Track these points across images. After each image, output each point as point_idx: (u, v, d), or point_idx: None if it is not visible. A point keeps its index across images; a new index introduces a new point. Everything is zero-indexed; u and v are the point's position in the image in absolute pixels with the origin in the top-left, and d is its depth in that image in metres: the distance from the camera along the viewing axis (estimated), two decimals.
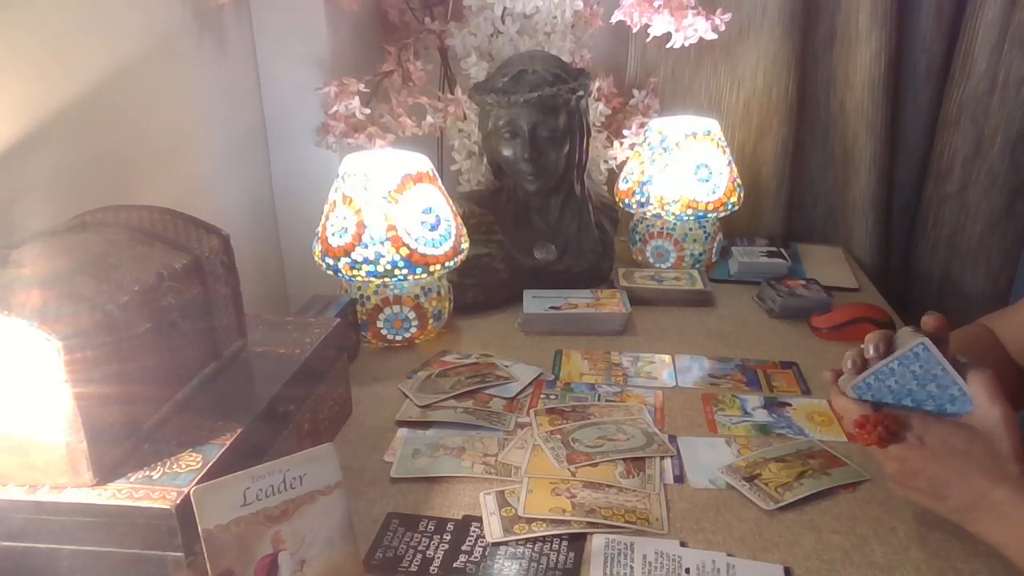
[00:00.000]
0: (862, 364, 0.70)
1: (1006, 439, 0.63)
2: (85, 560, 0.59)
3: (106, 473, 0.60)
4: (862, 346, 0.70)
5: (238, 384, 0.76)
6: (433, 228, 1.04)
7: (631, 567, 0.69)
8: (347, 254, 1.02)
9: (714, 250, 1.37)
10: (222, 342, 0.77)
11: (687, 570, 0.69)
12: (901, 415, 0.67)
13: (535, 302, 1.17)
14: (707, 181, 1.29)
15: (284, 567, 0.60)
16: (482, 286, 1.21)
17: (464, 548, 0.72)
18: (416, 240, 1.02)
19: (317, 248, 1.07)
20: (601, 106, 1.38)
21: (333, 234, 1.04)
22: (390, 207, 1.01)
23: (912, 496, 0.69)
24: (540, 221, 1.26)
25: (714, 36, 1.27)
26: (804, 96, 1.47)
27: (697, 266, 1.35)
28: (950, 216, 1.47)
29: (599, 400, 0.97)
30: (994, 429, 0.64)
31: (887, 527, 0.75)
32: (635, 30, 1.30)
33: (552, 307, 1.16)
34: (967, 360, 0.67)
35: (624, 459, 0.84)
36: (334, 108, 1.15)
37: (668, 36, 1.28)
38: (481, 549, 0.72)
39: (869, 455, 0.85)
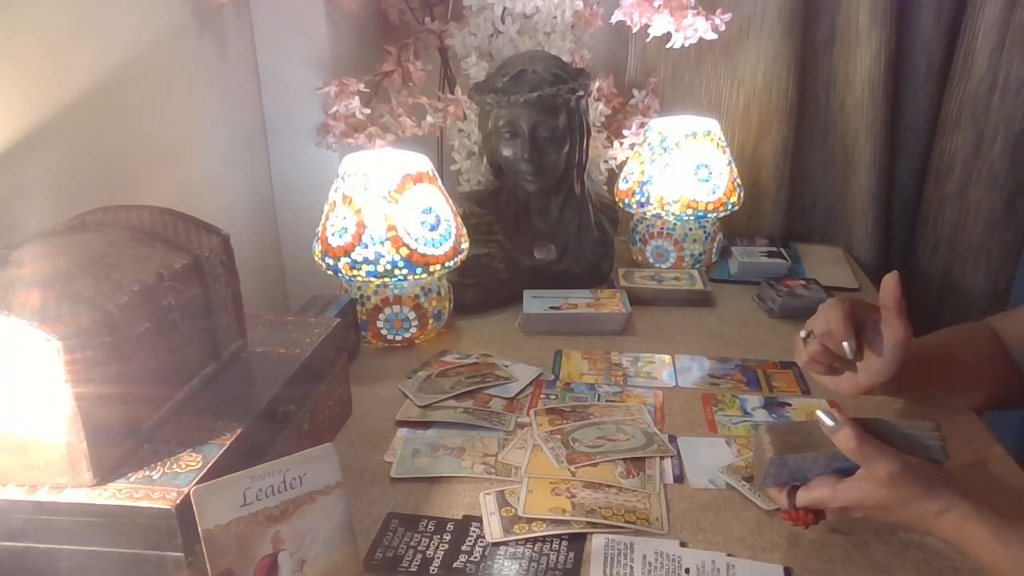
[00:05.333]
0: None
1: (912, 488, 0.64)
2: (85, 560, 0.59)
3: (106, 473, 0.60)
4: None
5: (238, 384, 0.76)
6: (433, 228, 1.04)
7: (631, 567, 0.69)
8: (347, 254, 1.02)
9: (714, 250, 1.37)
10: (222, 342, 0.77)
11: (687, 570, 0.69)
12: (815, 497, 0.68)
13: (535, 302, 1.17)
14: (707, 181, 1.29)
15: (284, 567, 0.60)
16: (482, 286, 1.21)
17: (464, 548, 0.72)
18: (416, 240, 1.02)
19: (317, 248, 1.07)
20: (601, 106, 1.38)
21: (333, 234, 1.04)
22: (390, 207, 1.01)
23: (867, 521, 0.72)
24: (540, 221, 1.26)
25: (714, 36, 1.27)
26: (804, 96, 1.47)
27: (697, 266, 1.35)
28: (950, 216, 1.47)
29: (599, 400, 0.97)
30: (895, 485, 0.64)
31: (887, 527, 0.74)
32: (635, 30, 1.30)
33: (552, 307, 1.16)
34: (834, 422, 0.66)
35: (624, 459, 0.84)
36: (334, 108, 1.15)
37: (668, 36, 1.28)
38: (481, 549, 0.72)
39: None
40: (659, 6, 1.26)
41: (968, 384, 0.87)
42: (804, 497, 0.68)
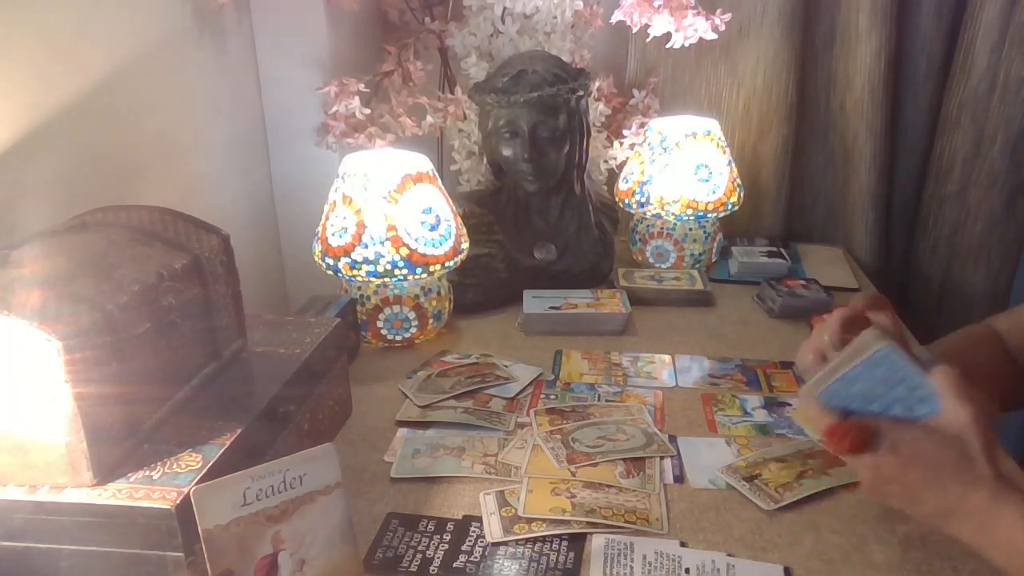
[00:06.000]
0: (820, 360, 0.69)
1: (976, 441, 0.61)
2: (85, 560, 0.59)
3: (106, 473, 0.60)
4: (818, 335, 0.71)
5: (238, 384, 0.76)
6: (433, 228, 1.04)
7: (631, 567, 0.69)
8: (347, 254, 1.02)
9: (714, 250, 1.37)
10: (222, 342, 0.77)
11: (687, 570, 0.69)
12: (871, 422, 0.65)
13: (535, 302, 1.17)
14: (707, 181, 1.29)
15: (284, 567, 0.60)
16: (482, 286, 1.21)
17: (464, 548, 0.72)
18: (416, 240, 1.02)
19: (317, 248, 1.07)
20: (601, 106, 1.38)
21: (333, 234, 1.04)
22: (390, 207, 1.01)
23: (887, 501, 0.68)
24: (540, 221, 1.26)
25: (714, 36, 1.27)
26: (804, 96, 1.47)
27: (697, 266, 1.35)
28: (950, 216, 1.47)
29: (599, 400, 0.97)
30: (964, 430, 0.62)
31: (887, 527, 0.75)
32: (635, 30, 1.30)
33: (552, 307, 1.16)
34: (932, 356, 0.64)
35: (624, 459, 0.84)
36: (334, 108, 1.15)
37: (668, 36, 1.28)
38: (481, 549, 0.72)
39: None
40: (659, 6, 1.26)
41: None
42: (865, 421, 0.64)
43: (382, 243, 1.01)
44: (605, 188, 1.41)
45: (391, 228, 1.01)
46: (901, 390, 0.64)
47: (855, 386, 0.65)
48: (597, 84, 1.39)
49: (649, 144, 1.32)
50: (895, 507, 0.68)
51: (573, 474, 0.81)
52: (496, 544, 0.72)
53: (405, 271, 1.02)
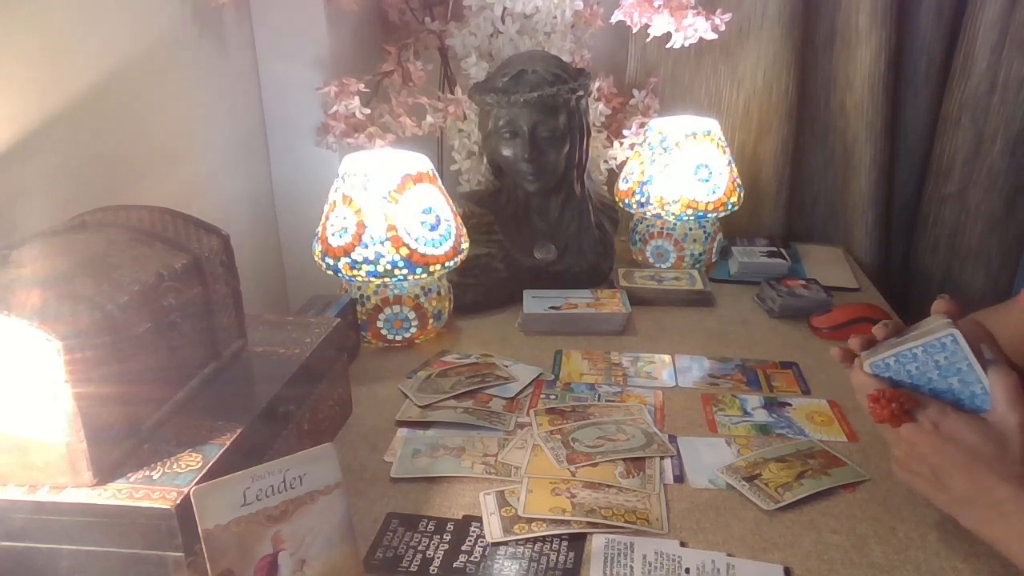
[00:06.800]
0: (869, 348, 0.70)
1: (1019, 444, 0.62)
2: (85, 560, 0.59)
3: (106, 473, 0.60)
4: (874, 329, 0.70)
5: (238, 384, 0.76)
6: (433, 228, 1.04)
7: (631, 567, 0.69)
8: (347, 254, 1.02)
9: (714, 250, 1.37)
10: (222, 342, 0.77)
11: (687, 570, 0.69)
12: (918, 396, 0.66)
13: (535, 302, 1.17)
14: (707, 181, 1.29)
15: (284, 567, 0.60)
16: (482, 286, 1.21)
17: (464, 548, 0.72)
18: (416, 240, 1.02)
19: (317, 248, 1.07)
20: (601, 106, 1.38)
21: (333, 234, 1.04)
22: (390, 207, 1.01)
23: (913, 480, 0.69)
24: (540, 221, 1.26)
25: (714, 36, 1.27)
26: (804, 96, 1.47)
27: (697, 266, 1.35)
28: (950, 216, 1.47)
29: (599, 400, 0.97)
30: (1009, 433, 0.63)
31: (887, 527, 0.75)
32: (635, 30, 1.30)
33: (552, 307, 1.16)
34: (992, 358, 0.65)
35: (624, 459, 0.84)
36: (334, 108, 1.15)
37: (668, 36, 1.28)
38: (481, 549, 0.72)
39: (869, 455, 0.85)
40: (659, 6, 1.26)
41: None
42: (912, 394, 0.65)
43: (382, 243, 1.01)
44: (605, 188, 1.41)
45: (391, 228, 1.01)
46: (955, 382, 0.65)
47: (910, 365, 0.66)
48: (597, 84, 1.39)
49: (649, 144, 1.32)
50: (918, 489, 0.69)
51: (573, 474, 0.81)
52: (496, 544, 0.72)
53: (405, 271, 1.02)
